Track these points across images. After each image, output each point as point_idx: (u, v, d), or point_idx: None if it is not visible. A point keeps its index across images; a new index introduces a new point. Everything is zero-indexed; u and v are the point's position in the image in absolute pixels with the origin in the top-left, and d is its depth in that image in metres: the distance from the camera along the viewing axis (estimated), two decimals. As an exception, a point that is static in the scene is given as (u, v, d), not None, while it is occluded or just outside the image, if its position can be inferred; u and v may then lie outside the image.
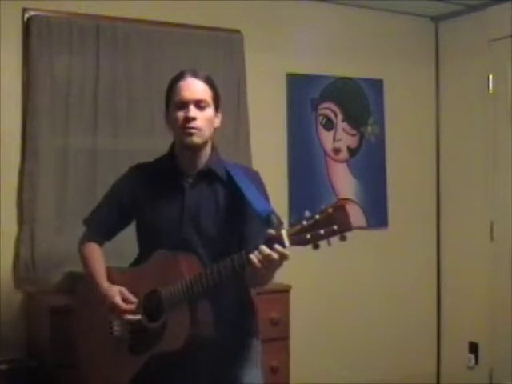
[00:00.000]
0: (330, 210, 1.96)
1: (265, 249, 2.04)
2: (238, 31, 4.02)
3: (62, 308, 3.03)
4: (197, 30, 3.89)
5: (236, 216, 2.31)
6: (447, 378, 4.75)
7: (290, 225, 2.04)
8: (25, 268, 3.41)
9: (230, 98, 3.83)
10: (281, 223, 2.07)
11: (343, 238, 1.95)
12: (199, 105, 2.31)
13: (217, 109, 2.38)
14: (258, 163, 3.64)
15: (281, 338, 3.61)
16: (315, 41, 4.34)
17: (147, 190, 2.40)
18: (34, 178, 3.44)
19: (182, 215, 2.32)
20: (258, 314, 2.50)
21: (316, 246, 1.99)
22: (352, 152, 4.50)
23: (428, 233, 4.78)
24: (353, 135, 4.51)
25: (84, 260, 2.50)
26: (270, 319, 3.51)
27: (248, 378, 2.38)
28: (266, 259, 2.04)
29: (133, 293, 2.35)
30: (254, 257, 2.05)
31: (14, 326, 3.39)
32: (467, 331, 4.59)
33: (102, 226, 2.52)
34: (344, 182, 4.45)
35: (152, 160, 2.49)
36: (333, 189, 4.39)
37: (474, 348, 4.54)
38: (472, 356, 4.54)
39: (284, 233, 2.03)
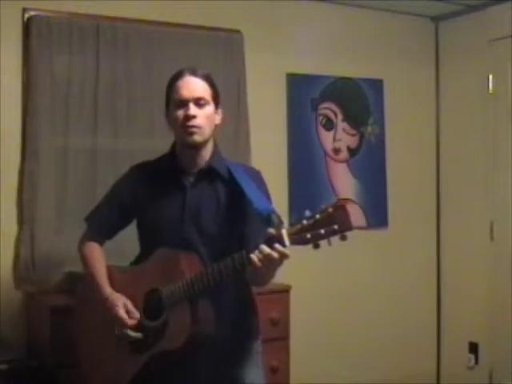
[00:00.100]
0: (331, 210, 1.96)
1: (265, 248, 2.04)
2: (238, 31, 4.02)
3: (62, 308, 3.03)
4: (197, 29, 3.89)
5: (237, 215, 2.31)
6: (447, 378, 4.75)
7: (290, 224, 2.04)
8: (25, 268, 3.41)
9: (230, 98, 3.83)
10: (281, 222, 2.07)
11: (344, 238, 1.95)
12: (199, 103, 2.31)
13: (217, 106, 2.38)
14: (258, 163, 3.62)
15: (281, 338, 3.61)
16: (315, 41, 4.34)
17: (148, 189, 2.40)
18: (34, 178, 3.44)
19: (183, 214, 2.32)
20: (259, 314, 2.50)
21: (316, 246, 1.99)
22: (352, 152, 4.50)
23: (428, 233, 4.78)
24: (353, 135, 4.51)
25: (84, 259, 2.50)
26: (270, 319, 3.51)
27: (249, 377, 2.38)
28: (267, 258, 2.04)
29: (133, 291, 2.34)
30: (254, 256, 2.06)
31: (14, 326, 3.39)
32: (467, 331, 4.59)
33: (102, 225, 2.52)
34: (344, 182, 4.45)
35: (153, 159, 2.49)
36: (333, 189, 4.39)
37: (474, 348, 4.54)
38: (472, 356, 4.54)
39: (284, 232, 2.03)
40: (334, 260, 4.09)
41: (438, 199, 4.80)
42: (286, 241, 2.03)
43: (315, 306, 4.24)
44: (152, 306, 2.29)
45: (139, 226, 2.47)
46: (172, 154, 2.42)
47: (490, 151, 4.43)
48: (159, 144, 3.23)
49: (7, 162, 3.42)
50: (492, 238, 4.41)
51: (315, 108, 4.36)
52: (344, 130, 4.47)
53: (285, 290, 3.65)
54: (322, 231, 1.96)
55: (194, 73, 2.35)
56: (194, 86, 2.32)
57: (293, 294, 3.69)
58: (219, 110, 2.41)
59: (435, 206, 4.81)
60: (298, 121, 4.30)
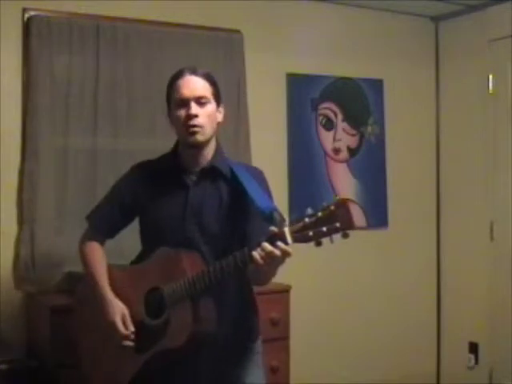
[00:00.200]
0: (333, 208, 1.96)
1: (267, 246, 2.04)
2: (238, 31, 4.02)
3: (62, 308, 3.02)
4: (197, 29, 3.89)
5: (239, 213, 2.31)
6: (447, 378, 4.75)
7: (292, 222, 2.04)
8: (25, 268, 3.40)
9: (230, 97, 3.82)
10: (283, 220, 2.07)
11: (346, 236, 1.95)
12: (200, 101, 2.31)
13: (218, 104, 2.39)
14: (258, 163, 3.58)
15: (281, 338, 3.60)
16: (315, 41, 4.34)
17: (150, 187, 2.40)
18: (34, 178, 3.44)
19: (185, 212, 2.32)
20: (259, 314, 2.50)
21: (318, 244, 1.99)
22: (352, 152, 4.50)
23: (428, 233, 4.78)
24: (353, 135, 4.51)
25: (84, 259, 2.49)
26: (270, 319, 3.50)
27: (249, 378, 2.38)
28: (269, 256, 2.04)
29: (134, 290, 2.34)
30: (256, 254, 2.06)
31: (14, 326, 3.39)
32: (467, 331, 4.58)
33: (103, 224, 2.51)
34: (344, 182, 4.45)
35: (155, 158, 2.49)
36: (333, 189, 4.39)
37: (474, 348, 4.54)
38: (472, 356, 4.54)
39: (286, 230, 2.03)
40: (333, 260, 4.10)
41: (438, 199, 4.80)
42: (289, 238, 2.03)
43: (315, 306, 4.24)
44: (153, 304, 2.29)
45: (141, 225, 2.47)
46: (174, 153, 2.42)
47: (490, 151, 4.43)
48: (159, 144, 3.25)
49: (7, 161, 3.42)
50: (492, 238, 4.41)
51: (315, 108, 4.36)
52: (344, 130, 4.47)
53: (285, 290, 3.64)
54: (324, 229, 1.96)
55: (194, 72, 2.35)
56: (195, 85, 2.33)
57: (293, 294, 3.69)
58: (221, 108, 2.41)
59: (435, 206, 4.81)
60: (298, 121, 4.30)
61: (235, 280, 2.27)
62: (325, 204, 1.99)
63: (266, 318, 3.32)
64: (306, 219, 1.99)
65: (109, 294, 2.38)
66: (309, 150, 4.33)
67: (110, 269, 2.46)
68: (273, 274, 2.20)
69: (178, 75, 2.36)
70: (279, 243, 2.03)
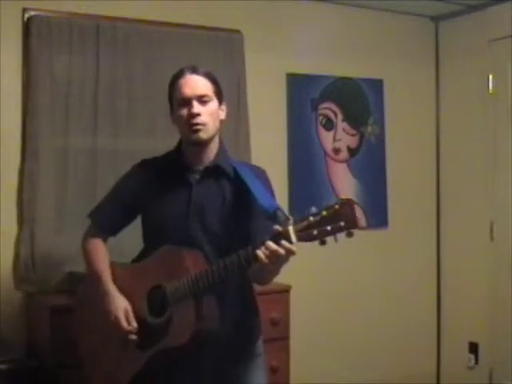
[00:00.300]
0: (337, 206, 1.96)
1: (271, 244, 2.04)
2: (238, 31, 4.01)
3: (62, 308, 3.02)
4: (197, 29, 3.89)
5: (242, 212, 2.31)
6: (447, 378, 4.75)
7: (296, 221, 2.03)
8: (25, 268, 3.40)
9: (230, 97, 3.78)
10: (287, 219, 2.07)
11: (350, 235, 1.95)
12: (202, 100, 2.32)
13: (220, 102, 2.39)
14: (258, 163, 3.56)
15: (281, 338, 3.60)
16: (315, 41, 4.34)
17: (153, 186, 2.40)
18: (34, 178, 3.43)
19: (188, 210, 2.32)
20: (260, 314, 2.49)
21: (323, 243, 1.98)
22: (352, 152, 4.50)
23: (428, 233, 4.79)
24: (353, 135, 4.51)
25: (87, 256, 2.48)
26: (270, 319, 3.50)
27: (250, 378, 2.38)
28: (273, 255, 2.04)
29: (136, 287, 2.34)
30: (260, 252, 2.05)
31: (14, 326, 3.38)
32: (467, 331, 4.59)
33: (106, 222, 2.51)
34: (344, 182, 4.45)
35: (158, 156, 2.48)
36: (333, 189, 4.39)
37: (474, 348, 4.54)
38: (472, 356, 4.54)
39: (291, 229, 2.03)
40: (334, 260, 4.09)
41: (438, 199, 4.80)
42: (293, 237, 2.02)
43: (315, 306, 4.24)
44: (156, 302, 2.29)
45: (143, 223, 2.46)
46: (177, 151, 2.42)
47: (490, 151, 4.43)
48: (159, 144, 3.25)
49: (7, 161, 3.41)
50: (492, 238, 4.42)
51: (315, 108, 4.35)
52: (344, 130, 4.47)
53: (285, 290, 3.64)
54: (329, 228, 1.96)
55: (195, 71, 2.36)
56: (196, 84, 2.33)
57: (293, 294, 3.69)
58: (223, 106, 2.42)
59: (435, 206, 4.81)
60: (298, 121, 4.30)
61: (237, 280, 2.27)
62: (329, 203, 1.98)
63: (266, 318, 3.31)
64: (311, 218, 1.99)
65: (112, 290, 2.37)
66: (309, 149, 4.33)
67: (113, 266, 2.45)
68: (276, 272, 2.20)
69: (179, 74, 2.36)
70: (283, 242, 2.03)
